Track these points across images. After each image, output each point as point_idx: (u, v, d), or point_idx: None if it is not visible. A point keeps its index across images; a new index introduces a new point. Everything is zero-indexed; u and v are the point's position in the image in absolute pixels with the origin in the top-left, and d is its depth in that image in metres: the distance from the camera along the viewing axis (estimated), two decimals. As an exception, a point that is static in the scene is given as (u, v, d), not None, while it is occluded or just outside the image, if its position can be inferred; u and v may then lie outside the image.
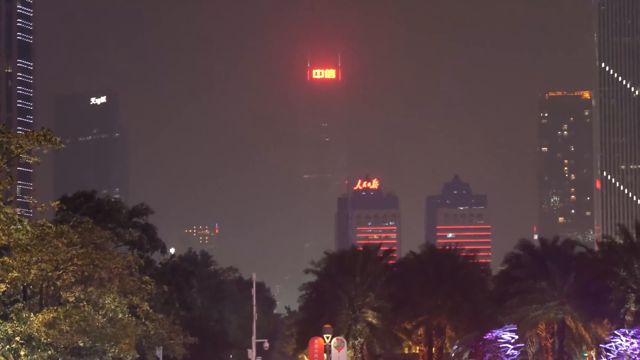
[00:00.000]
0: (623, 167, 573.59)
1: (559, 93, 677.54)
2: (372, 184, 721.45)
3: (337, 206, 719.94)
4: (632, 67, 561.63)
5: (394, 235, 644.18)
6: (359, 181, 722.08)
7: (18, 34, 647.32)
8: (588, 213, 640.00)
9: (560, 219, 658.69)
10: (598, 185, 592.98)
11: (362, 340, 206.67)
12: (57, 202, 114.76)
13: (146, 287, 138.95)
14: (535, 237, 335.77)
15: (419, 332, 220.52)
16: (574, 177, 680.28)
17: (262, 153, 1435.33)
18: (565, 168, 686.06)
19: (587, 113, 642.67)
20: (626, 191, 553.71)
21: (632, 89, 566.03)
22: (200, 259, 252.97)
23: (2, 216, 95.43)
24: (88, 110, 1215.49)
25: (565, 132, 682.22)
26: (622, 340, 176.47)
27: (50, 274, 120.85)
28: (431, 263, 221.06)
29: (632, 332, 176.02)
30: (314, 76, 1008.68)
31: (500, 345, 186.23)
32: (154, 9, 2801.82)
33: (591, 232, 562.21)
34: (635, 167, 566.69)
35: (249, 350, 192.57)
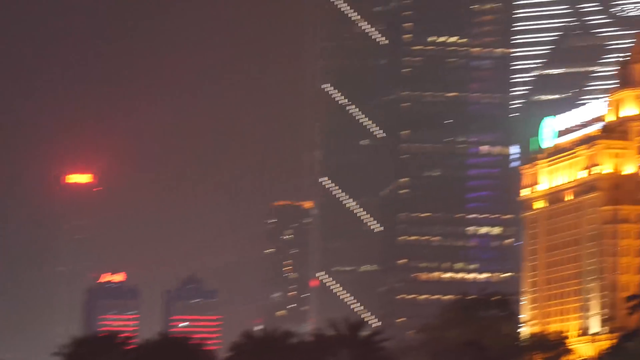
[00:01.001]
0: (336, 268, 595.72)
1: (285, 202, 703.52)
2: (118, 276, 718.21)
3: (87, 296, 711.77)
4: (349, 182, 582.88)
5: (136, 323, 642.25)
6: (108, 274, 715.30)
7: None
8: (305, 307, 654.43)
9: (282, 312, 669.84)
10: (315, 283, 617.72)
11: None
12: None
13: None
14: (260, 327, 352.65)
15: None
16: (294, 276, 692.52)
17: (20, 249, 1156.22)
18: (288, 267, 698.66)
19: (308, 220, 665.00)
20: (339, 290, 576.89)
21: (348, 201, 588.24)
22: None
23: None
24: None
25: (288, 237, 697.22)
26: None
27: None
28: (163, 350, 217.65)
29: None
30: (70, 180, 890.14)
31: None
32: None
33: (307, 325, 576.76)
34: (345, 269, 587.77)
35: None
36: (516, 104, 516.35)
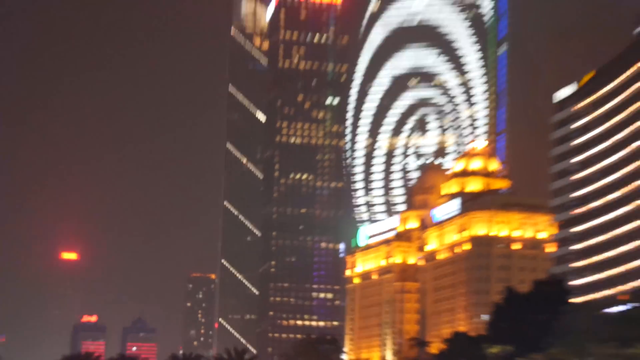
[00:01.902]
0: (230, 316, 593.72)
1: (198, 274, 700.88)
2: (92, 317, 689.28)
3: (72, 330, 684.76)
4: (239, 262, 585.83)
5: (104, 347, 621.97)
6: (86, 315, 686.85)
7: None
8: (210, 340, 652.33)
9: (195, 343, 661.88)
10: (216, 325, 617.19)
11: None
12: None
13: None
14: (181, 352, 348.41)
15: None
16: (204, 320, 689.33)
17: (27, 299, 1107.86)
18: (200, 315, 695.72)
19: (213, 286, 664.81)
20: (231, 330, 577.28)
21: (238, 274, 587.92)
22: None
23: None
24: None
25: (200, 296, 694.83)
26: None
27: None
28: None
29: None
30: (63, 257, 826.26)
31: None
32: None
33: (211, 352, 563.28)
34: (236, 317, 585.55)
35: None
36: (344, 217, 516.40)
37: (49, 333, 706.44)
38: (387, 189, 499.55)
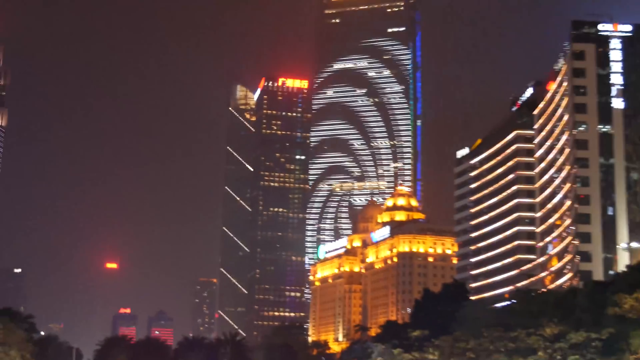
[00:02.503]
0: (226, 309, 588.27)
1: (204, 279, 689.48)
2: (127, 309, 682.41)
3: (112, 319, 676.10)
4: (233, 270, 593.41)
5: (134, 332, 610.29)
6: (123, 308, 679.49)
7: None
8: (213, 326, 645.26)
9: (202, 328, 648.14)
10: (217, 315, 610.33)
11: None
12: None
13: None
14: (190, 335, 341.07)
15: None
16: (207, 312, 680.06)
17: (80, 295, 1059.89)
18: (205, 308, 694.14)
19: (215, 287, 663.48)
20: (228, 319, 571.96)
21: (233, 279, 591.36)
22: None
23: None
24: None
25: (206, 294, 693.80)
26: None
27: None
28: (148, 344, 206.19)
29: None
30: (107, 266, 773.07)
31: None
32: None
33: (213, 335, 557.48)
34: (231, 309, 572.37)
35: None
36: (308, 239, 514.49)
37: (95, 321, 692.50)
38: (338, 218, 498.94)
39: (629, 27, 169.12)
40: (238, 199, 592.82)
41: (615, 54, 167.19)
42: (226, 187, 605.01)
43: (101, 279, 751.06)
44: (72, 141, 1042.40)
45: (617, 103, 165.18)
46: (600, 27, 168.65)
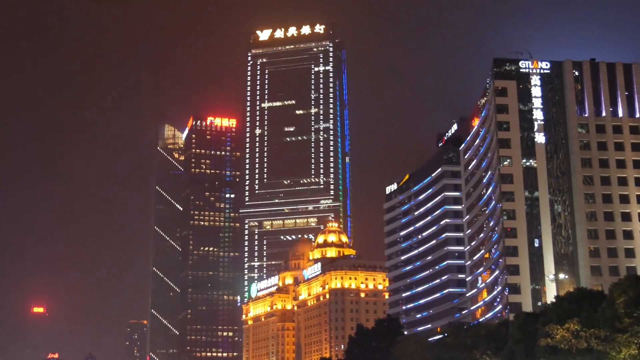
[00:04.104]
0: (158, 351, 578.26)
1: (135, 321, 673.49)
2: (55, 355, 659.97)
3: None
4: (164, 311, 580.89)
5: None
6: (51, 354, 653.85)
7: None
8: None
9: None
10: (148, 358, 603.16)
11: None
12: None
13: None
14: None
15: None
16: (138, 355, 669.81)
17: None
18: (136, 351, 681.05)
19: (146, 329, 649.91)
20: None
21: (163, 320, 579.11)
22: None
23: None
24: None
25: (136, 336, 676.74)
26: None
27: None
28: None
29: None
30: (34, 310, 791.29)
31: None
32: None
33: None
34: (162, 351, 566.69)
35: None
36: (239, 278, 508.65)
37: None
38: (269, 256, 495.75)
39: (547, 64, 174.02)
40: (168, 239, 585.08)
41: (536, 90, 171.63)
42: (156, 227, 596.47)
43: (29, 324, 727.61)
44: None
45: (539, 137, 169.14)
46: (521, 64, 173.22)
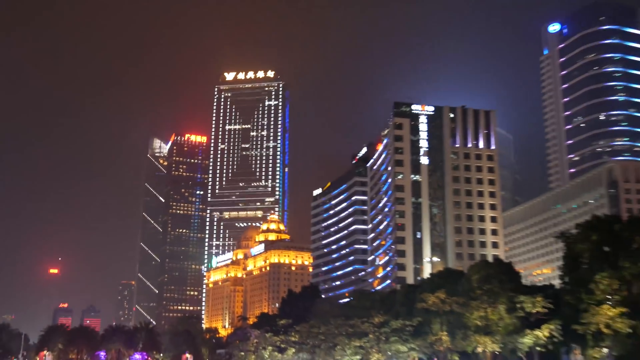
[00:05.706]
0: (141, 304, 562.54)
1: (124, 281, 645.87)
2: (64, 304, 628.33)
3: (53, 313, 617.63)
4: (149, 274, 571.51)
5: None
6: (62, 304, 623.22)
7: None
8: (131, 316, 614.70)
9: (122, 319, 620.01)
10: (134, 309, 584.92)
11: None
12: None
13: None
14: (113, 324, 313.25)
15: None
16: (127, 306, 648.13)
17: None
18: (124, 303, 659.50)
19: (132, 288, 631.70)
20: (144, 313, 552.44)
21: (149, 283, 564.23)
22: None
23: None
24: None
25: (126, 293, 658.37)
26: None
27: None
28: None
29: None
30: (50, 271, 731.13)
31: None
32: None
33: (131, 323, 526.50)
34: (148, 304, 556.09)
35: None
36: (205, 252, 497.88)
37: (39, 313, 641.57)
38: (227, 238, 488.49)
39: (431, 108, 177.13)
40: (152, 222, 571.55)
41: (423, 126, 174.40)
42: (144, 214, 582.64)
43: (45, 281, 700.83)
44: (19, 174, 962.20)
45: (424, 160, 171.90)
46: (413, 107, 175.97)
